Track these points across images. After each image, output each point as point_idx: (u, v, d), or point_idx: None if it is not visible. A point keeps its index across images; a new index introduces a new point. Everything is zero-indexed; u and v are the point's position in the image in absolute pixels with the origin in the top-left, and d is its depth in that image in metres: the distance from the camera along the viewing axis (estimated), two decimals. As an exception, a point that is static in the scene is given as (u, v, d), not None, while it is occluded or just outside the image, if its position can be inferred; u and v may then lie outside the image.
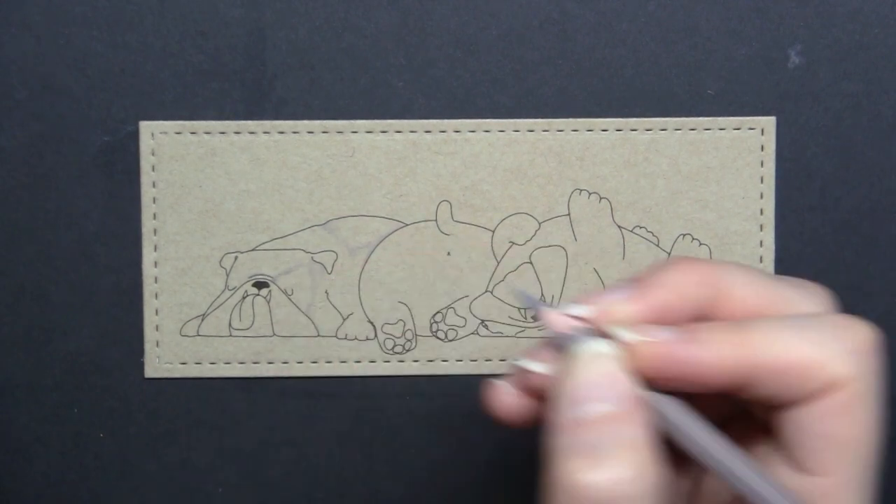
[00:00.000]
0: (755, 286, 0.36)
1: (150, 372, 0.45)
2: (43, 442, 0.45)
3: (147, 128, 0.45)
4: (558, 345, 0.35)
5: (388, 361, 0.45)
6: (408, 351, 0.45)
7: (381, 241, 0.45)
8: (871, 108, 0.45)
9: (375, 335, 0.45)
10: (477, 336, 0.46)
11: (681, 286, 0.36)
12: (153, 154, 0.45)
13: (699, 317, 0.35)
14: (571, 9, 0.45)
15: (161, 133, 0.45)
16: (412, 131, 0.45)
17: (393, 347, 0.45)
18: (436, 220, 0.45)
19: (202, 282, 0.45)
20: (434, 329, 0.46)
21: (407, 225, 0.45)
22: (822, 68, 0.45)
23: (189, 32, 0.44)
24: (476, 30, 0.45)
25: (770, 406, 0.34)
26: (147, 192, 0.45)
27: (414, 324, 0.45)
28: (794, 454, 0.34)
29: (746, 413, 0.35)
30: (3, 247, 0.45)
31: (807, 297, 0.35)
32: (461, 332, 0.46)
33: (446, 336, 0.46)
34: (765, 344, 0.34)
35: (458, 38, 0.45)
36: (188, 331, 0.45)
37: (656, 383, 0.34)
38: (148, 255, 0.45)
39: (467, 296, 0.45)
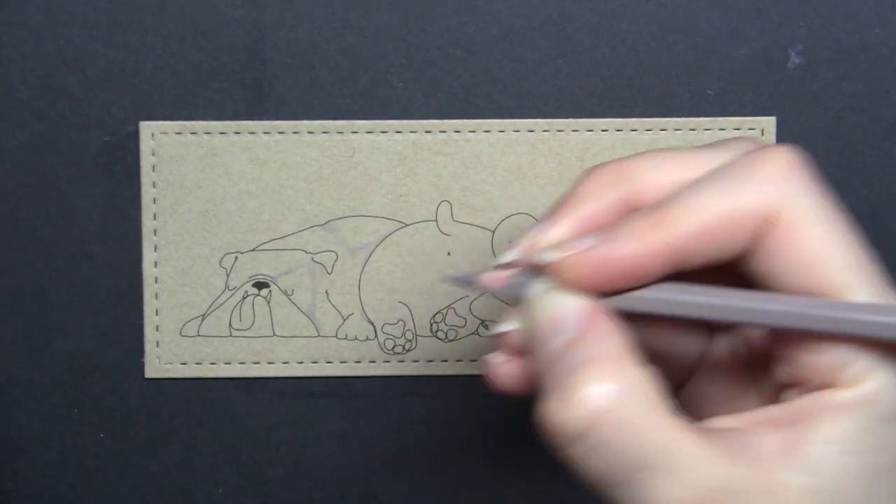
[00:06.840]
0: (665, 166, 0.35)
1: (150, 372, 0.45)
2: (43, 442, 0.45)
3: (147, 128, 0.45)
4: (513, 297, 0.35)
5: (388, 361, 0.45)
6: (408, 351, 0.45)
7: (381, 242, 0.45)
8: (871, 108, 0.45)
9: (375, 335, 0.45)
10: (477, 336, 0.46)
11: (595, 193, 0.35)
12: (153, 154, 0.45)
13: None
14: (571, 9, 0.45)
15: (161, 133, 0.45)
16: (412, 131, 0.45)
17: (393, 347, 0.45)
18: (436, 221, 0.45)
19: (202, 282, 0.45)
20: (434, 329, 0.46)
21: (407, 225, 0.45)
22: (822, 68, 0.45)
23: (189, 32, 0.44)
24: (476, 30, 0.45)
25: (731, 264, 0.33)
26: (147, 192, 0.45)
27: (414, 324, 0.45)
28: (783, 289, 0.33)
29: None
30: (3, 247, 0.45)
31: (724, 153, 0.35)
32: (461, 333, 0.46)
33: (446, 336, 0.46)
34: (681, 216, 0.33)
35: (458, 38, 0.45)
36: (188, 331, 0.45)
37: (609, 288, 0.34)
38: (148, 255, 0.45)
39: (467, 296, 0.45)
